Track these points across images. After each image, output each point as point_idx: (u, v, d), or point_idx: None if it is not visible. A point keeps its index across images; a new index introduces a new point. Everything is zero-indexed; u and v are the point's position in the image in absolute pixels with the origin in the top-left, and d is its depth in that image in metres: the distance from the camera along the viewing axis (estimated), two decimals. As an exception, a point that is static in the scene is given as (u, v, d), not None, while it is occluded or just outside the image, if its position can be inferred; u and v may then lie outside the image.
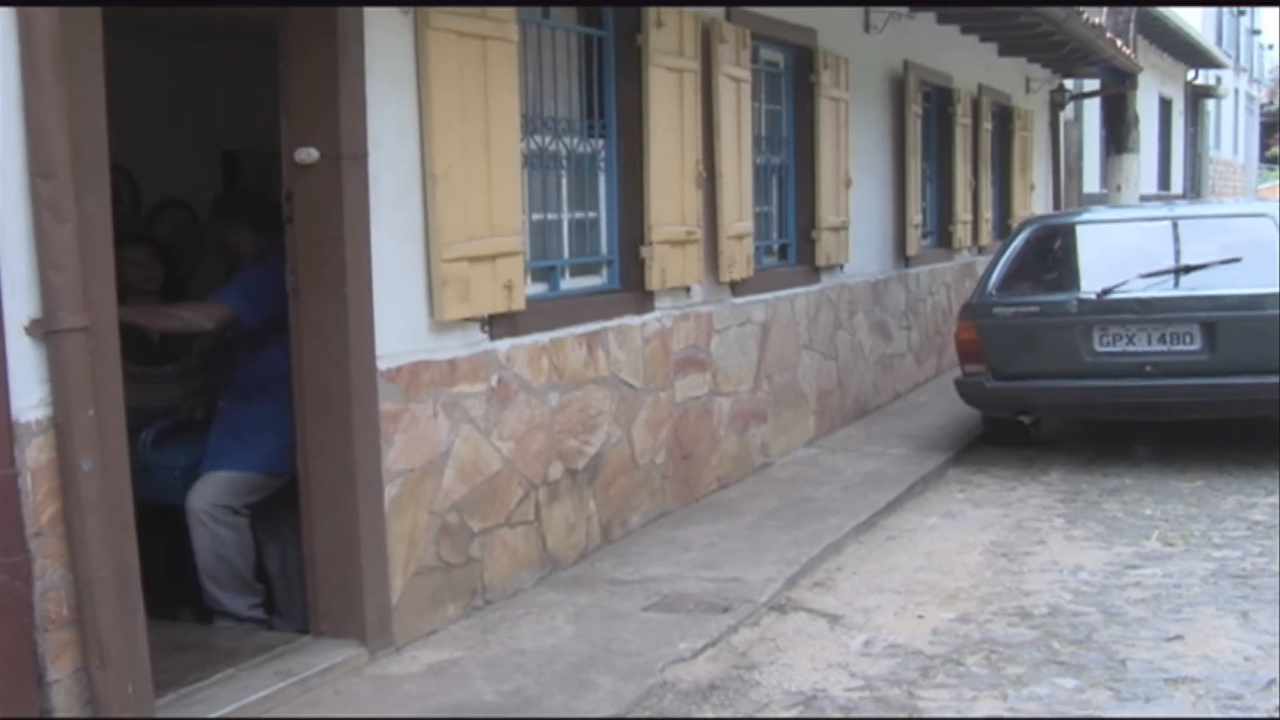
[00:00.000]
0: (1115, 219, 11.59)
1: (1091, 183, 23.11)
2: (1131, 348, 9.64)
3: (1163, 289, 9.68)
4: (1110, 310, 9.68)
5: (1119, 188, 19.56)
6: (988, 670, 5.78)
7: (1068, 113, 21.58)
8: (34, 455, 4.25)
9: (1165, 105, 30.81)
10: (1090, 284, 10.01)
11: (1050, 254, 10.92)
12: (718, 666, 5.85)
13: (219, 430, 6.35)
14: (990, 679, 5.68)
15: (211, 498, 6.15)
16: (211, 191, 8.23)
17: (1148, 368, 9.57)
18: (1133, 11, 20.09)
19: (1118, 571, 7.25)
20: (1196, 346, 9.50)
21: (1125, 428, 10.99)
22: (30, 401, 4.26)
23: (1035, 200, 18.73)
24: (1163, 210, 11.98)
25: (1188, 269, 9.84)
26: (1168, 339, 9.55)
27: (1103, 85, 20.09)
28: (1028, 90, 18.55)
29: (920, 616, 6.56)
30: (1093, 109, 22.10)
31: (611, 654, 5.87)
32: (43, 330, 4.26)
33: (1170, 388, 9.55)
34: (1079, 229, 11.23)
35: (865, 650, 6.09)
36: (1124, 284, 9.71)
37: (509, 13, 6.64)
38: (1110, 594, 6.85)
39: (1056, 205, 20.20)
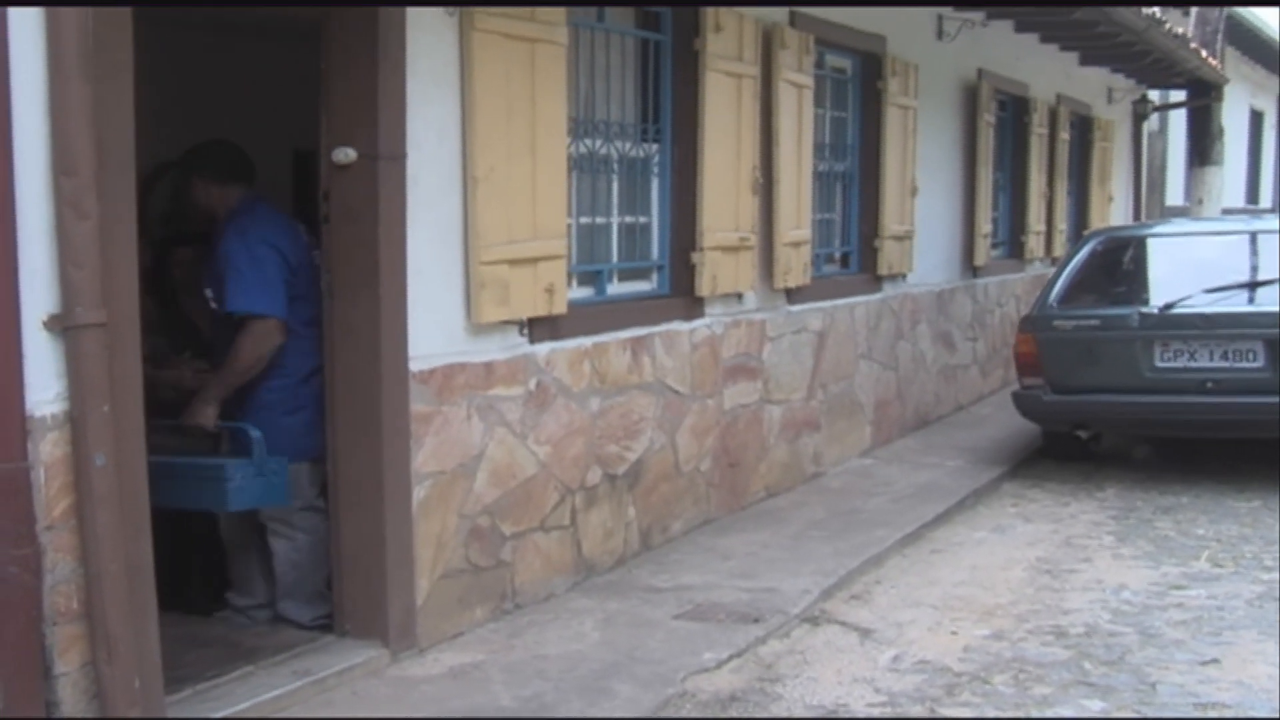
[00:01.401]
0: (1184, 232, 11.41)
1: (1175, 195, 22.79)
2: (1193, 363, 9.50)
3: (1226, 305, 9.52)
4: (1172, 325, 9.55)
5: (1201, 201, 19.26)
6: (1014, 690, 5.71)
7: (1152, 124, 21.31)
8: (48, 450, 4.28)
9: (1256, 117, 30.30)
10: (1154, 298, 9.88)
11: (1115, 267, 10.78)
12: (741, 678, 5.81)
13: (260, 418, 5.91)
14: (1015, 698, 5.60)
15: (301, 496, 6.05)
16: (280, 191, 8.32)
17: (1209, 384, 9.42)
18: (1220, 21, 19.80)
19: (1161, 592, 7.15)
20: (1259, 364, 9.34)
21: (1186, 444, 10.84)
22: (46, 396, 4.29)
23: (1114, 212, 18.52)
24: (1238, 224, 11.81)
25: (1254, 285, 9.68)
26: (1230, 355, 9.40)
27: (1188, 96, 19.80)
28: (1109, 100, 18.33)
29: (954, 632, 6.50)
30: (1179, 120, 21.77)
31: (635, 662, 5.85)
32: (61, 325, 4.30)
33: (1231, 405, 9.39)
34: (1145, 242, 11.07)
35: (893, 665, 6.03)
36: (1187, 299, 9.57)
37: (558, 15, 6.63)
38: (1151, 615, 6.75)
39: (1136, 217, 19.96)
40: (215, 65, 8.56)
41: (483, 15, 6.13)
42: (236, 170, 6.19)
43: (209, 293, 6.01)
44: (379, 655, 5.68)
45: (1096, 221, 17.01)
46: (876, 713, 5.48)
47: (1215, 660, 6.07)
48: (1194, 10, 19.55)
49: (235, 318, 5.86)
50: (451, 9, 6.03)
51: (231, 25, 8.41)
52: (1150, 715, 5.44)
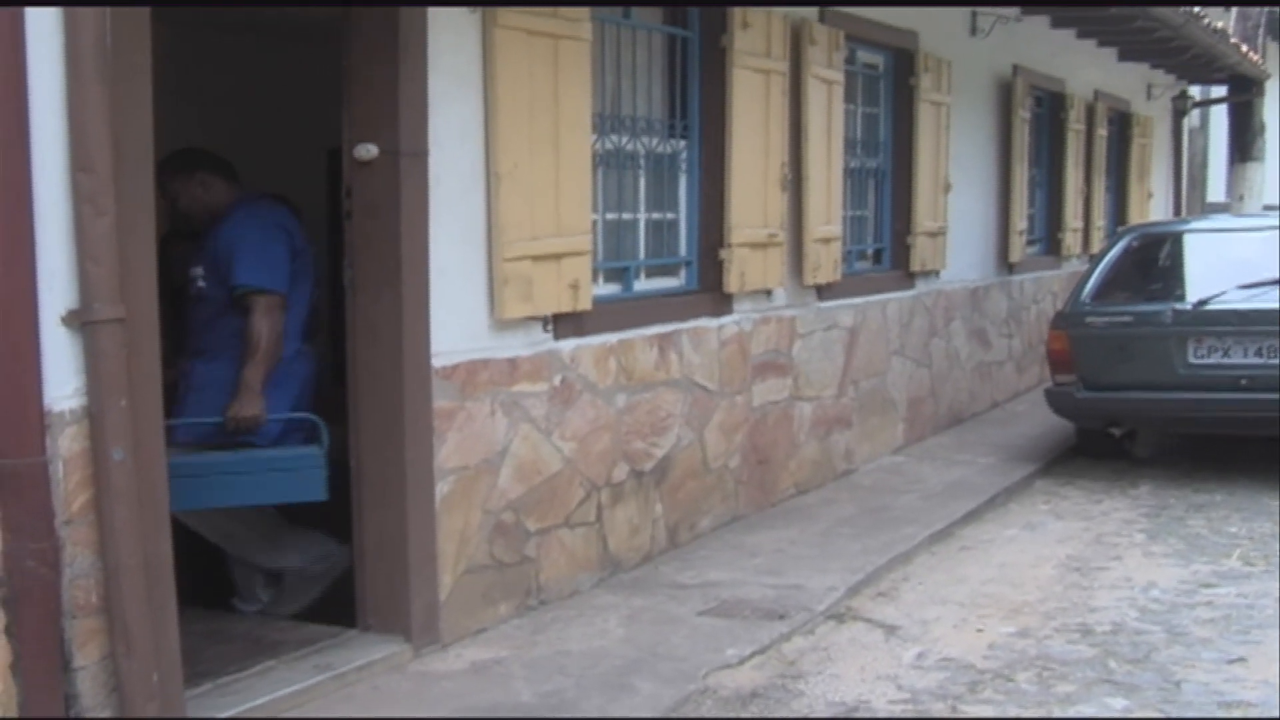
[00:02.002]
0: (1220, 228, 11.30)
1: (1217, 192, 22.64)
2: (1227, 360, 9.43)
3: (1261, 301, 9.42)
4: (1206, 321, 9.48)
5: (1242, 197, 19.14)
6: (1037, 687, 5.68)
7: (1193, 119, 21.18)
8: (66, 444, 4.30)
9: (1300, 113, 30.07)
10: (1188, 294, 9.82)
11: (1148, 263, 10.71)
12: (763, 674, 5.80)
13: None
14: (1038, 696, 5.57)
15: None
16: (314, 190, 8.35)
17: (1243, 381, 9.34)
18: (1262, 16, 19.66)
19: (1191, 590, 7.10)
20: (1295, 361, 9.28)
21: (1222, 442, 10.76)
22: (65, 391, 4.31)
23: (1154, 208, 18.41)
24: (1274, 220, 11.69)
25: (1289, 281, 9.60)
26: (1264, 352, 9.32)
27: (1229, 92, 19.67)
28: (1149, 96, 18.22)
29: (979, 630, 6.47)
30: (1220, 116, 21.62)
31: (658, 658, 5.84)
32: (79, 321, 4.31)
33: (1266, 402, 9.30)
34: (1179, 238, 10.97)
35: (917, 663, 6.01)
36: (1221, 295, 9.50)
37: (582, 12, 6.64)
38: (1179, 613, 6.71)
39: (1177, 214, 19.84)
40: (250, 68, 8.61)
41: (505, 12, 6.13)
42: (221, 168, 6.29)
43: (198, 271, 6.06)
44: (401, 650, 5.69)
45: (1135, 218, 16.92)
46: (898, 710, 5.46)
47: (1242, 659, 6.02)
48: (1234, 5, 19.42)
49: (235, 294, 5.92)
50: (473, 7, 6.04)
51: (264, 27, 8.46)
52: (1174, 714, 5.40)
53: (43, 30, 4.21)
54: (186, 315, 6.13)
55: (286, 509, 6.19)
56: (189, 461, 5.59)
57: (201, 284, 6.04)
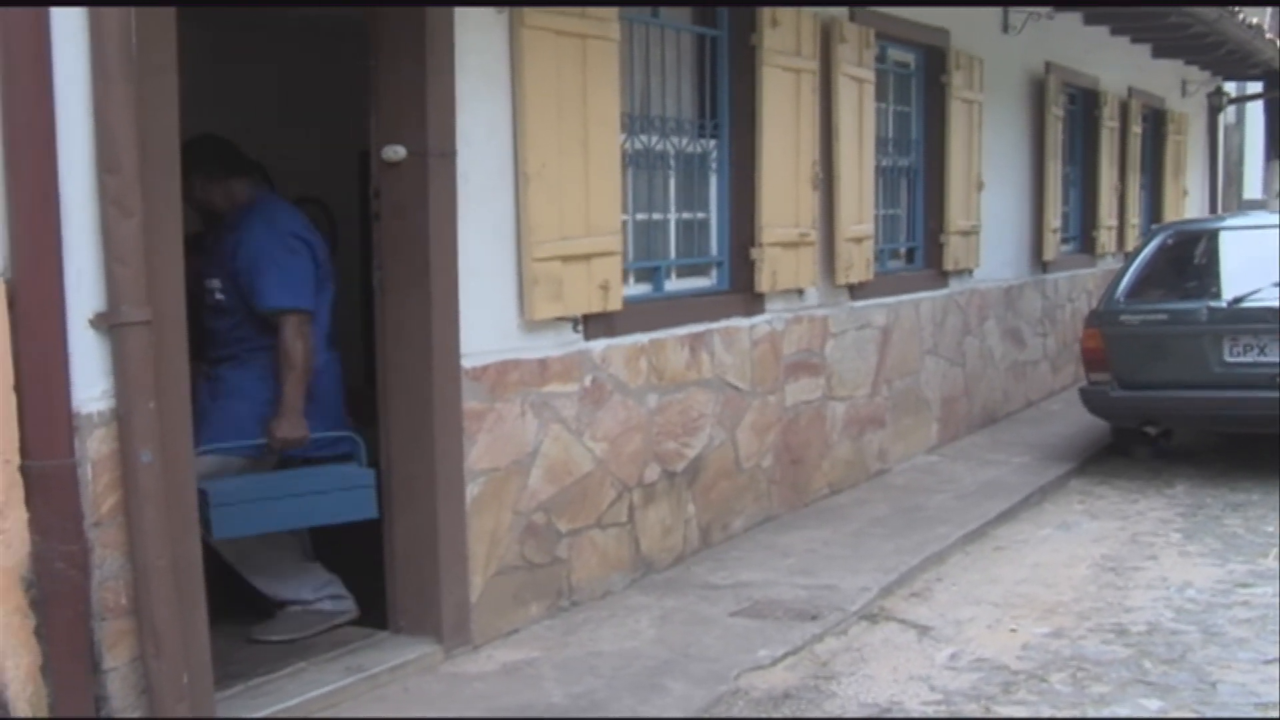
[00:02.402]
0: (1254, 225, 11.18)
1: (1254, 188, 22.51)
2: (1263, 358, 9.35)
3: None
4: (1241, 319, 9.41)
5: (1278, 194, 19.01)
6: (1071, 688, 5.63)
7: (1228, 116, 21.04)
8: (95, 446, 4.30)
9: (1338, 109, 29.88)
10: (1223, 292, 9.75)
11: (1183, 261, 10.64)
12: (795, 675, 5.78)
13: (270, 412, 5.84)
14: (1072, 697, 5.53)
15: None
16: (348, 191, 8.33)
17: (1279, 379, 9.27)
18: (1299, 11, 19.50)
19: (1227, 590, 7.04)
20: (1332, 359, 9.20)
21: (1259, 441, 10.67)
22: (93, 393, 4.31)
23: (1190, 206, 18.30)
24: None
25: (1326, 278, 9.52)
26: (1302, 350, 9.26)
27: (1265, 88, 19.54)
28: (1184, 93, 18.11)
29: (1013, 630, 6.43)
30: (1256, 112, 21.52)
31: (689, 659, 5.82)
32: (106, 323, 4.32)
33: (1304, 401, 9.25)
34: (1214, 236, 10.88)
35: (950, 663, 5.97)
36: (1257, 292, 9.43)
37: (610, 12, 6.62)
38: (1215, 613, 6.65)
39: (1213, 211, 19.70)
40: (284, 68, 8.61)
41: (532, 12, 6.13)
42: (239, 163, 6.13)
43: (214, 284, 5.91)
44: (432, 651, 5.69)
45: (1171, 216, 16.82)
46: (931, 711, 5.42)
47: (1278, 659, 5.96)
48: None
49: (263, 312, 5.80)
50: (500, 8, 6.03)
51: (297, 27, 8.46)
52: (1209, 715, 5.35)
53: (68, 31, 4.21)
54: (203, 321, 5.90)
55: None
56: (239, 486, 5.51)
57: (220, 296, 5.90)
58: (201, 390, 5.61)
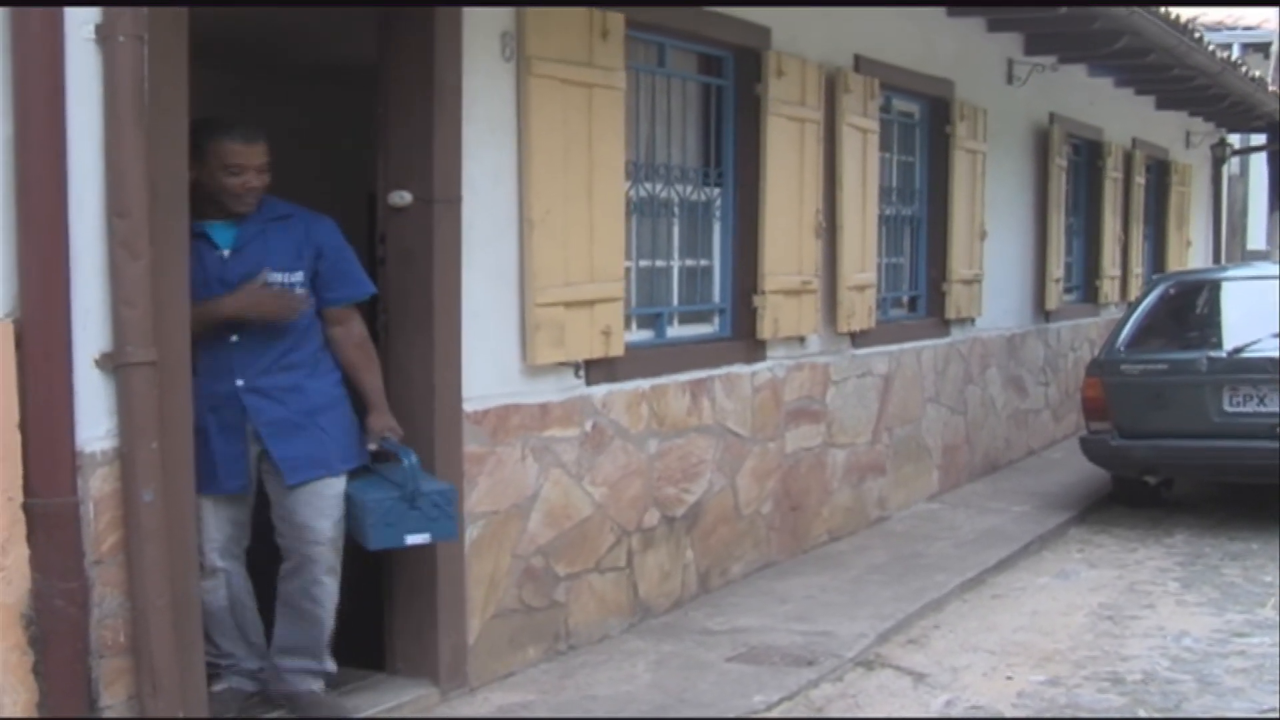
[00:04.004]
0: (1255, 276, 11.27)
1: (1257, 239, 22.57)
2: (1262, 408, 9.41)
3: None
4: (1241, 369, 9.48)
5: (1281, 245, 19.10)
6: (1066, 737, 5.67)
7: (1232, 167, 21.12)
8: (98, 485, 4.35)
9: (1343, 161, 29.95)
10: (1223, 342, 9.81)
11: (1184, 311, 10.72)
12: (790, 721, 5.81)
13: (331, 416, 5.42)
14: (1066, 747, 5.57)
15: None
16: (357, 233, 8.36)
17: (1278, 429, 9.31)
18: (1302, 64, 19.60)
19: (1224, 639, 7.06)
20: (1331, 409, 9.25)
21: (1260, 491, 10.69)
22: (97, 433, 4.36)
23: (1193, 256, 18.37)
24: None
25: (1324, 329, 9.57)
26: (1301, 400, 9.31)
27: (1268, 140, 19.63)
28: (1188, 144, 18.20)
29: (1009, 678, 6.45)
30: (1260, 164, 21.59)
31: (684, 704, 5.85)
32: (112, 363, 4.37)
33: (1303, 450, 9.29)
34: (1215, 286, 10.96)
35: (945, 711, 6.00)
36: (1257, 343, 9.48)
37: (616, 61, 6.70)
38: (1211, 662, 6.68)
39: (1216, 261, 19.75)
40: (293, 111, 8.69)
41: (539, 61, 6.20)
42: None
43: (296, 278, 5.33)
44: (428, 694, 5.72)
45: (1174, 265, 16.88)
46: (925, 758, 5.45)
47: (1274, 709, 5.99)
48: (1274, 53, 19.39)
49: (343, 304, 5.46)
50: (508, 55, 6.10)
51: (307, 70, 8.55)
52: (1203, 764, 5.38)
53: (82, 73, 4.28)
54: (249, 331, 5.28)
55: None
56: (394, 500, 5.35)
57: (302, 290, 5.34)
58: (260, 409, 5.22)
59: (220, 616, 5.31)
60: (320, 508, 5.29)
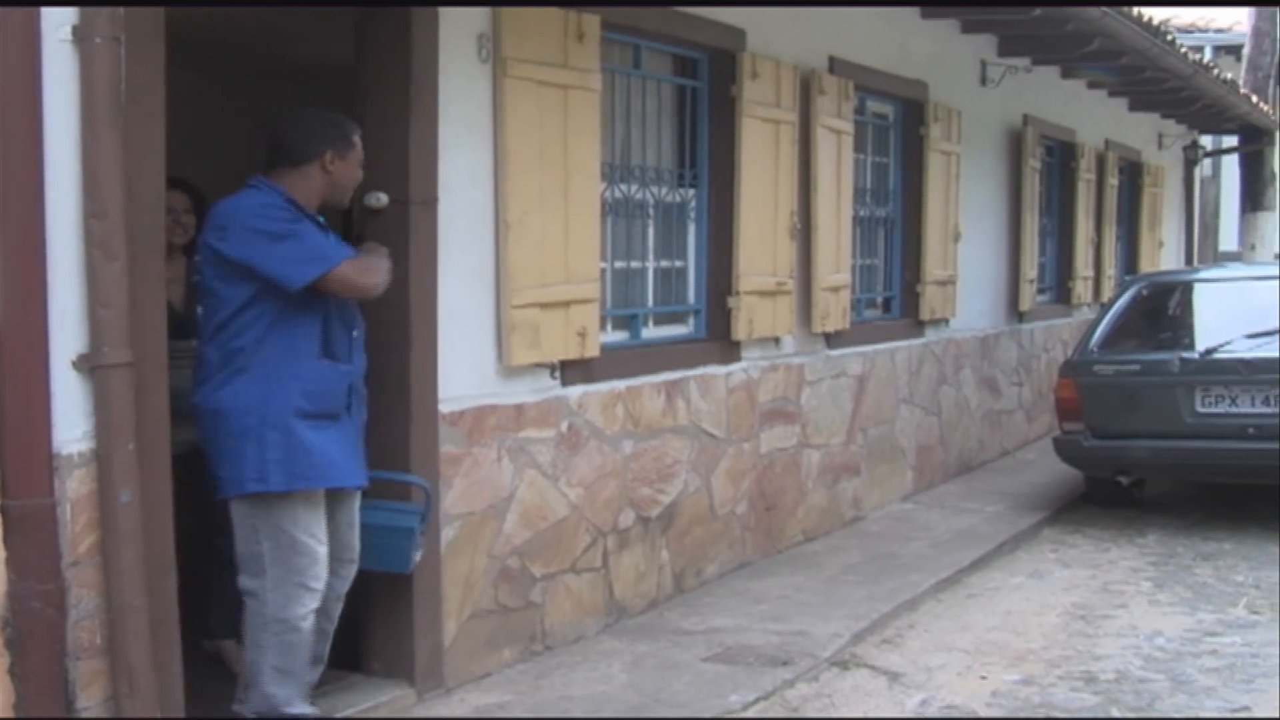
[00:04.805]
0: (1228, 277, 11.35)
1: (1229, 240, 22.68)
2: (1234, 409, 9.47)
3: (1269, 350, 9.46)
4: (1213, 370, 9.53)
5: (1254, 246, 19.18)
6: (1039, 736, 5.71)
7: (1204, 169, 21.23)
8: (74, 486, 4.35)
9: (1314, 162, 30.08)
10: (1195, 343, 9.87)
11: (1157, 312, 10.78)
12: (766, 721, 5.84)
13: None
14: (1040, 746, 5.60)
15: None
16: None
17: (1250, 430, 9.38)
18: (1272, 68, 19.71)
19: (1196, 639, 7.11)
20: (1302, 410, 9.30)
21: (1231, 490, 10.77)
22: (74, 434, 4.36)
23: (1165, 257, 18.46)
24: (1280, 269, 11.69)
25: (1297, 330, 9.62)
26: (1272, 401, 9.35)
27: (1240, 142, 19.75)
28: (1160, 146, 18.29)
29: (983, 677, 6.49)
30: (1231, 165, 21.67)
31: (660, 704, 5.87)
32: (89, 365, 4.37)
33: (1273, 451, 9.33)
34: (1187, 287, 11.03)
35: (920, 710, 6.03)
36: (1228, 344, 9.54)
37: (592, 63, 6.71)
38: (1183, 661, 6.72)
39: (1189, 263, 19.88)
40: (269, 112, 8.68)
41: (515, 62, 6.21)
42: None
43: None
44: (405, 695, 5.73)
45: (1147, 266, 16.97)
46: (899, 757, 5.48)
47: (1246, 708, 6.04)
48: (1245, 56, 19.51)
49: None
50: (484, 57, 6.12)
51: (284, 71, 8.55)
52: (1175, 762, 5.42)
53: (59, 75, 4.29)
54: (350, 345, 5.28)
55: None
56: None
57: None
58: (354, 417, 5.24)
59: (307, 643, 5.11)
60: (355, 520, 5.32)
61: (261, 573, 4.97)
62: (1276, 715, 5.89)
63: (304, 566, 4.97)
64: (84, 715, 4.36)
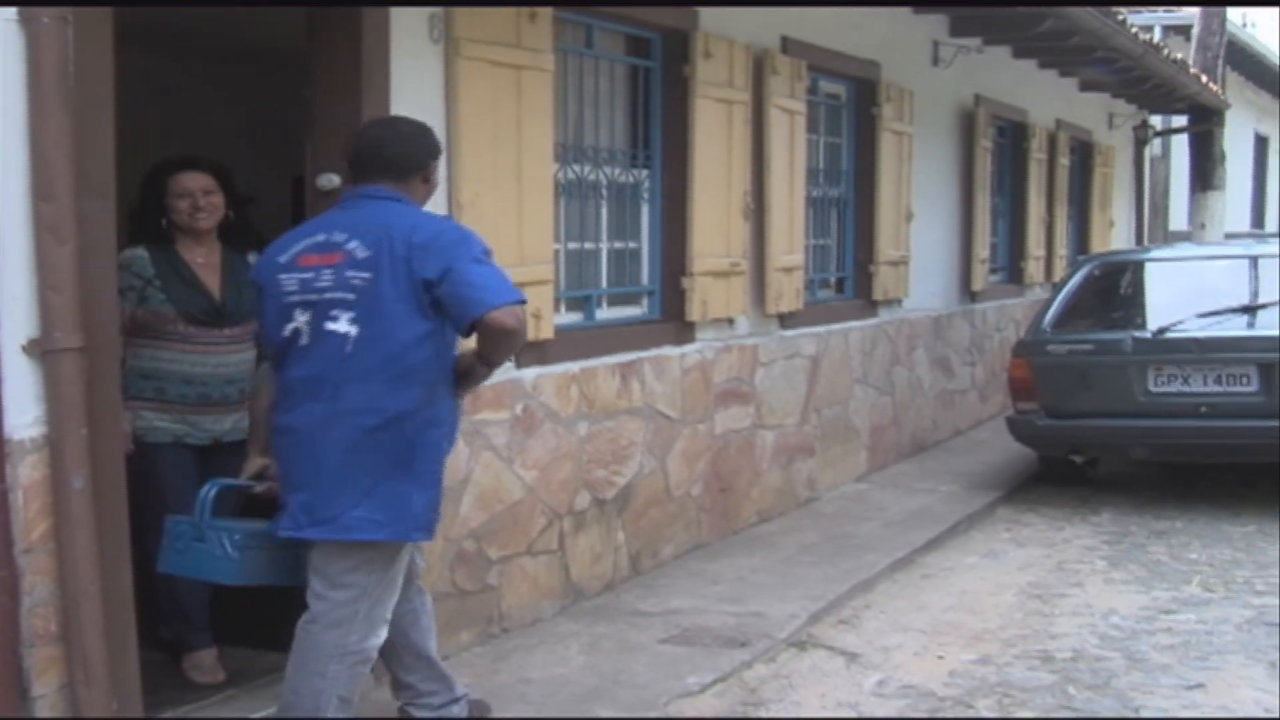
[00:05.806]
0: (1179, 257, 11.43)
1: (1179, 220, 22.80)
2: (1187, 388, 9.51)
3: (1220, 329, 9.52)
4: (1165, 349, 9.57)
5: (1203, 225, 19.28)
6: (997, 713, 5.72)
7: (1154, 149, 21.33)
8: (27, 472, 4.30)
9: (1261, 142, 30.29)
10: (1148, 322, 9.93)
11: (1110, 291, 10.82)
12: (724, 702, 5.83)
13: None
14: (997, 723, 5.62)
15: None
16: (280, 216, 8.32)
17: (1203, 409, 9.43)
18: (1221, 48, 19.81)
19: (1151, 616, 7.15)
20: (1253, 388, 9.35)
21: (1184, 469, 10.84)
22: (25, 420, 4.31)
23: (1116, 237, 18.55)
24: (1237, 249, 11.76)
25: (1247, 309, 9.68)
26: (1224, 380, 9.41)
27: (1189, 122, 19.85)
28: (1110, 126, 18.36)
29: (940, 657, 6.50)
30: (1181, 145, 21.80)
31: (618, 686, 5.86)
32: (40, 349, 4.32)
33: (1225, 429, 9.42)
34: (1139, 267, 11.09)
35: (878, 690, 6.04)
36: (1180, 323, 9.59)
37: (545, 42, 6.68)
38: (1139, 639, 6.75)
39: (1139, 242, 19.97)
40: (216, 95, 8.64)
41: (468, 43, 6.17)
42: None
43: None
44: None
45: (1097, 246, 17.03)
46: (858, 736, 5.49)
47: (1200, 685, 6.07)
48: (1194, 36, 19.60)
49: None
50: (436, 37, 6.08)
51: (231, 54, 8.49)
52: (1131, 738, 5.45)
53: (5, 55, 4.23)
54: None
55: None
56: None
57: None
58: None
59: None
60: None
61: (355, 610, 4.71)
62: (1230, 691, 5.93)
63: (391, 601, 4.81)
64: (39, 702, 4.32)
